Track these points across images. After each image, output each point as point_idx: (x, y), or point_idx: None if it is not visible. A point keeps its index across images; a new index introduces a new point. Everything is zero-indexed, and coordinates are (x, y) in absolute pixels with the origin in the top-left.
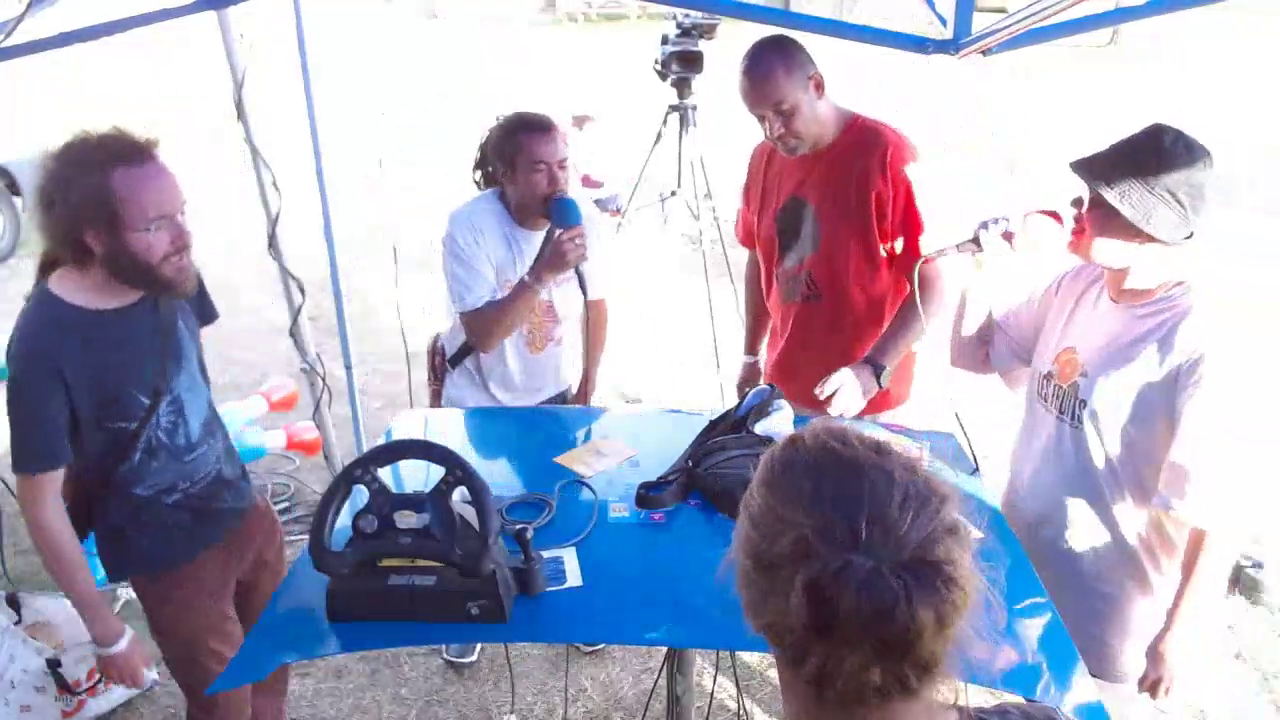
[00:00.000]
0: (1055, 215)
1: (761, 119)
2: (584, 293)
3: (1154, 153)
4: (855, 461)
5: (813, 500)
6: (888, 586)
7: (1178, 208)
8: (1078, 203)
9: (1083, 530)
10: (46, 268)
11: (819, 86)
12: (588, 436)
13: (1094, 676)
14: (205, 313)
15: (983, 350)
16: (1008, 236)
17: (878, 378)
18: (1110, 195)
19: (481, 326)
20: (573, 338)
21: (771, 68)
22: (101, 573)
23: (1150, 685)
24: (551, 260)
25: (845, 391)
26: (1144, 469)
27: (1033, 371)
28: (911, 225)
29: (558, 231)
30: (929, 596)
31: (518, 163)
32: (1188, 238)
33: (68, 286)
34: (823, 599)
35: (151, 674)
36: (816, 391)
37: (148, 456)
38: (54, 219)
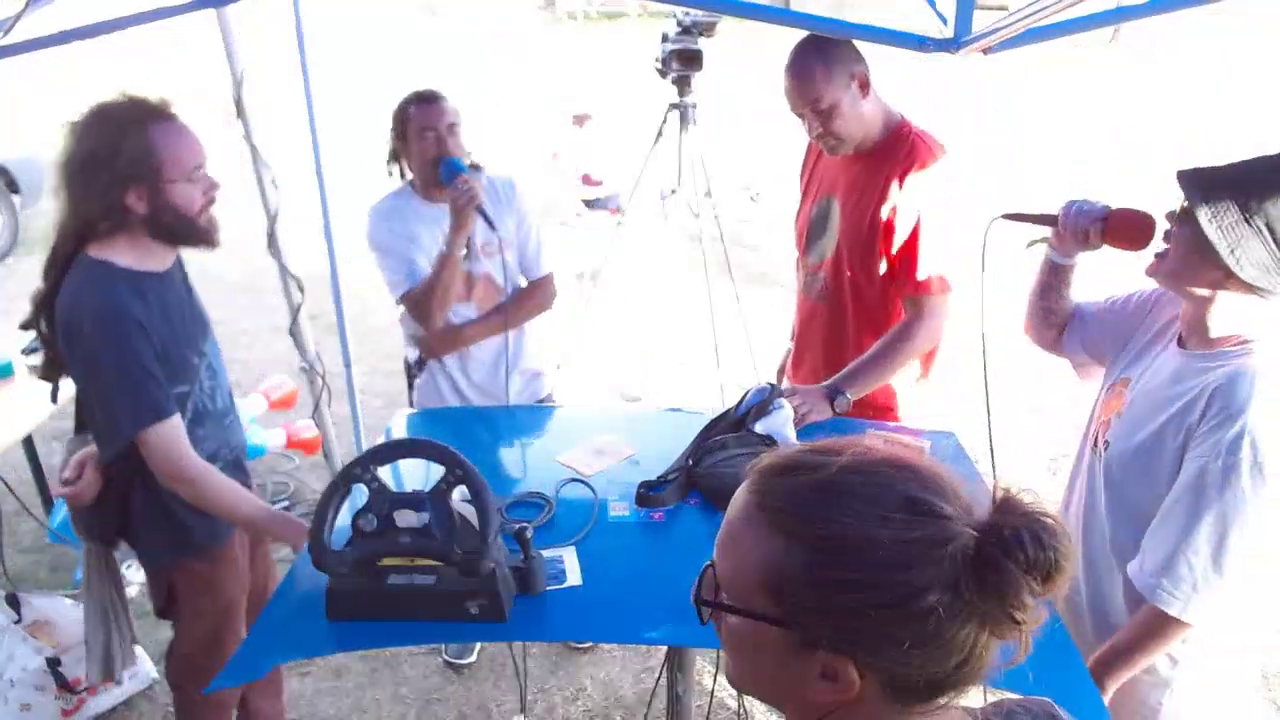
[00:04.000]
0: (1148, 221)
1: (801, 117)
2: (490, 225)
3: (1269, 176)
4: (874, 460)
5: (887, 517)
6: (1033, 536)
7: (1273, 247)
8: (1172, 217)
9: (1089, 565)
10: (69, 245)
11: (864, 85)
12: (588, 436)
13: None
14: None
15: (1053, 331)
16: (1084, 233)
17: (832, 402)
18: (1201, 213)
19: (419, 305)
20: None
21: (810, 66)
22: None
23: None
24: (452, 217)
25: (783, 412)
26: (1136, 527)
27: (1101, 388)
28: (910, 255)
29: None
30: (1045, 537)
31: (409, 134)
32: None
33: (112, 254)
34: (993, 569)
35: (151, 673)
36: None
37: (194, 424)
38: (95, 183)
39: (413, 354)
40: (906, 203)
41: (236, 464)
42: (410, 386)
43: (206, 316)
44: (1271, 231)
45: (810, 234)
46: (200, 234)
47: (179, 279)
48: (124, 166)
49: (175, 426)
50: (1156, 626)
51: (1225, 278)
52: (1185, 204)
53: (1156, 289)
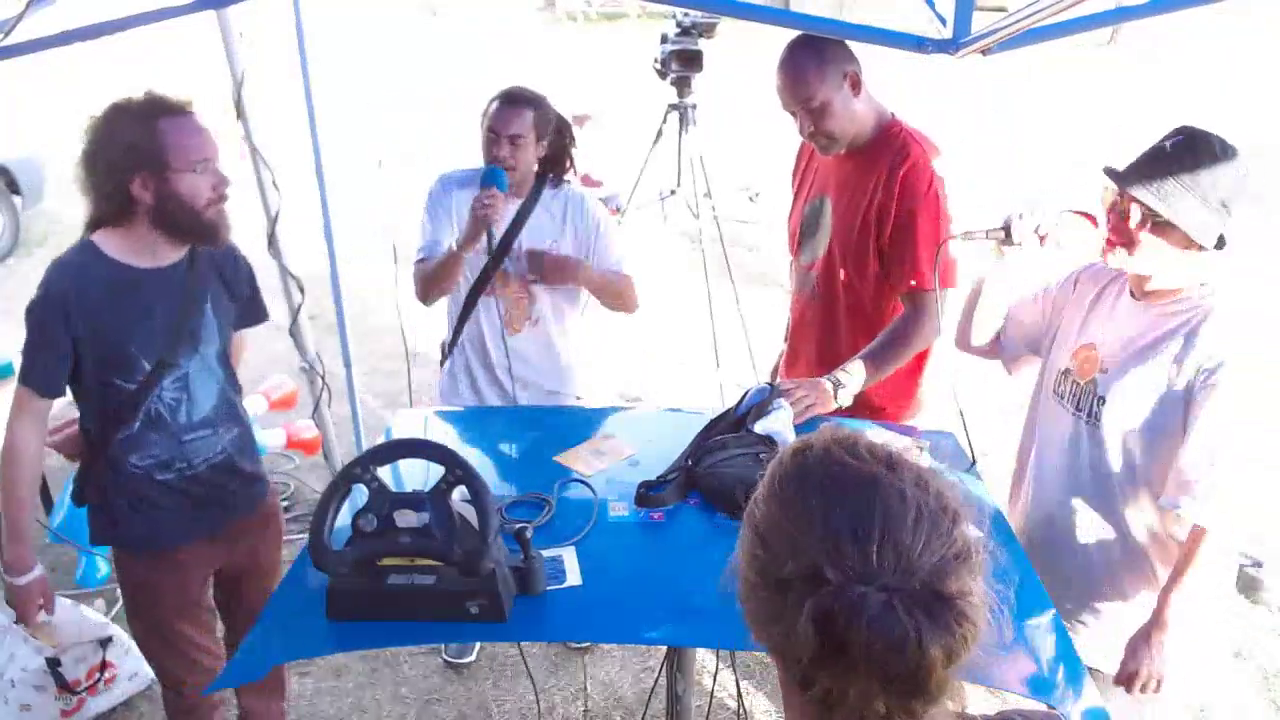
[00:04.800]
0: (1090, 218)
1: (793, 115)
2: (488, 251)
3: (1196, 157)
4: (868, 478)
5: (824, 521)
6: (899, 622)
7: (1220, 211)
8: (1115, 209)
9: (1091, 527)
10: (84, 231)
11: (855, 85)
12: (588, 436)
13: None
14: (255, 312)
15: (991, 336)
16: (1040, 237)
17: (834, 393)
18: (1147, 195)
19: (419, 278)
20: (559, 323)
21: (802, 65)
22: (104, 571)
23: (1127, 679)
24: (468, 224)
25: (783, 412)
26: (1156, 468)
27: (1047, 367)
28: (905, 252)
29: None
30: (941, 635)
31: (482, 127)
32: (1222, 244)
33: (108, 240)
34: (833, 630)
35: (150, 673)
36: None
37: (146, 428)
38: (102, 172)
39: (448, 334)
40: (898, 201)
41: (196, 479)
42: (442, 362)
43: (206, 335)
44: (1217, 198)
45: (803, 233)
46: (205, 228)
47: (176, 284)
48: (130, 155)
49: (28, 396)
50: (1192, 542)
51: (1181, 241)
52: (1128, 194)
53: (1069, 275)
